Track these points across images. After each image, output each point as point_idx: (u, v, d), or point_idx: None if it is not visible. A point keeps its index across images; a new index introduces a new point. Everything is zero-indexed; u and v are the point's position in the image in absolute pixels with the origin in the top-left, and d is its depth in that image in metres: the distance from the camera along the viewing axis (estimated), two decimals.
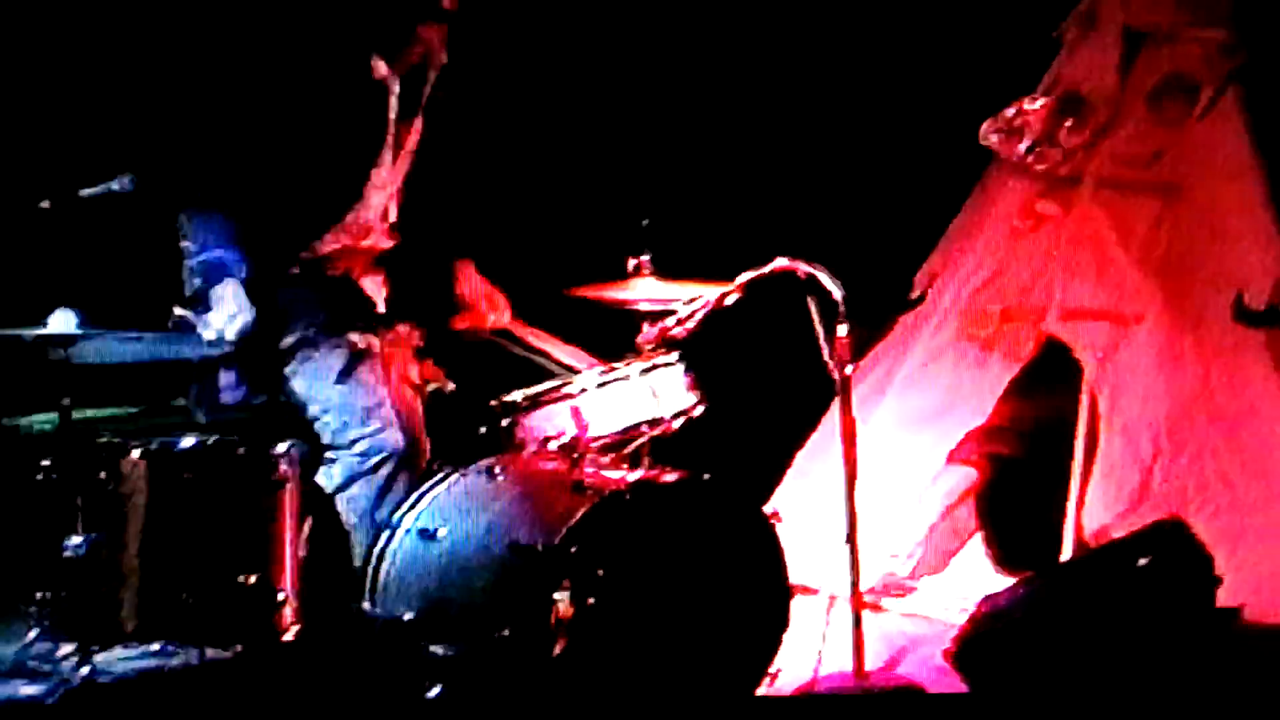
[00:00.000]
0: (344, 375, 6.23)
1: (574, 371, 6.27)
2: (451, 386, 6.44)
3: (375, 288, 6.44)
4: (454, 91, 6.45)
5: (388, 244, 6.45)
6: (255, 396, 6.28)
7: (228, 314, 6.13)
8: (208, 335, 6.13)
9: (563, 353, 6.41)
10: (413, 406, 6.32)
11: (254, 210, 6.20)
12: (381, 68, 6.31)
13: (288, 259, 6.27)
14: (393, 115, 6.36)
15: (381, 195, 6.39)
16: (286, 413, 6.21)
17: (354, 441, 6.20)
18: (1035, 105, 7.05)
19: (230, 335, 6.14)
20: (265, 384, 6.28)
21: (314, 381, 6.24)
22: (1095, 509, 6.86)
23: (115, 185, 6.00)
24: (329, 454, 6.22)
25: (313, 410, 6.23)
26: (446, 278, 6.48)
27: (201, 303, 6.20)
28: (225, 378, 6.32)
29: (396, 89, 6.34)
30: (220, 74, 6.29)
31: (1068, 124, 7.05)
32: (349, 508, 6.20)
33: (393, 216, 6.44)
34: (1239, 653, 5.98)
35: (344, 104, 6.26)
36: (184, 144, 6.27)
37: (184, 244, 6.26)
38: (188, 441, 5.90)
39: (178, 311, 6.20)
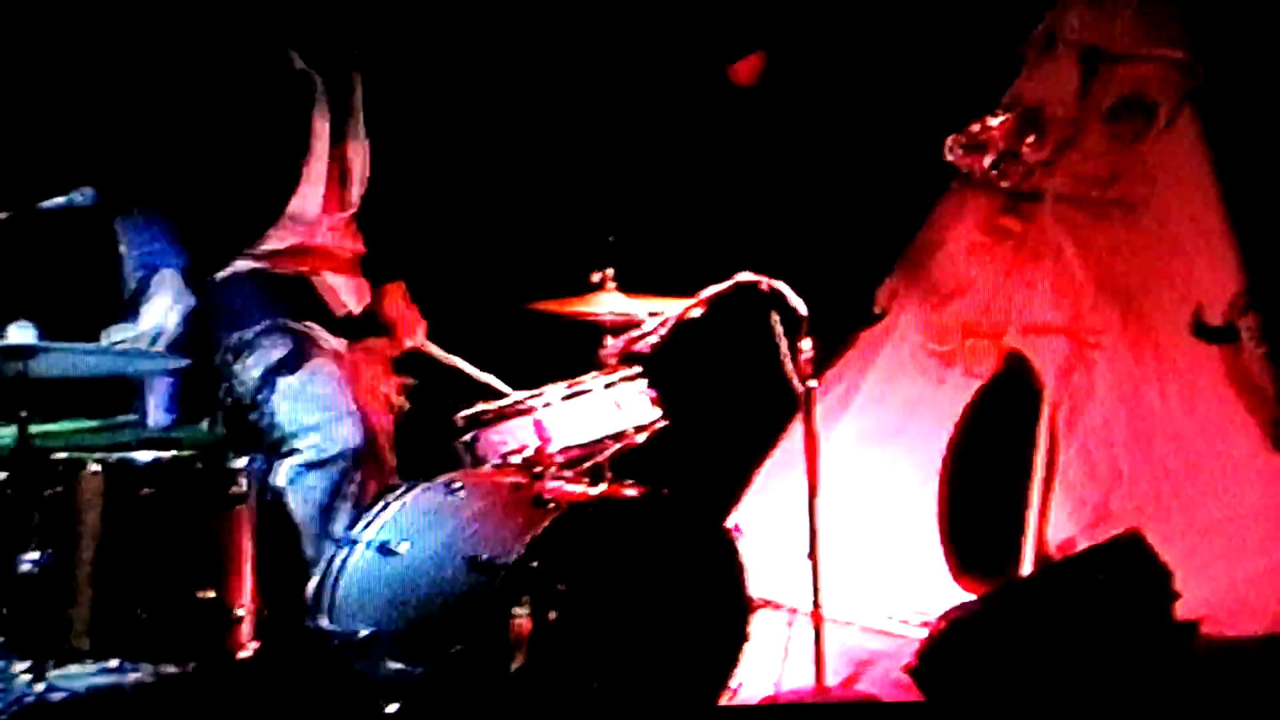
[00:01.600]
0: (296, 364, 6.19)
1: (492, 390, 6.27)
2: (404, 405, 6.42)
3: (349, 291, 6.41)
4: (404, 101, 6.46)
5: (354, 246, 6.43)
6: (185, 423, 6.26)
7: (165, 305, 6.10)
8: (144, 326, 6.09)
9: (475, 373, 6.40)
10: (378, 415, 6.29)
11: (187, 205, 6.15)
12: (298, 61, 6.29)
13: (227, 251, 6.23)
14: (321, 108, 6.32)
15: (318, 190, 6.34)
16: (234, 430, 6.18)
17: (309, 430, 6.15)
18: (998, 121, 7.08)
19: (171, 324, 6.10)
20: (200, 407, 6.25)
21: (266, 372, 6.20)
22: (1056, 524, 6.88)
23: (77, 198, 5.96)
24: (284, 448, 6.18)
25: (267, 404, 6.18)
26: (375, 298, 6.45)
27: (136, 304, 6.16)
28: (154, 399, 6.29)
29: (320, 84, 6.31)
30: (145, 72, 6.27)
31: (1030, 139, 7.08)
32: (301, 499, 6.16)
33: (351, 206, 6.42)
34: (1197, 666, 6.00)
35: (265, 95, 6.23)
36: (117, 146, 6.25)
37: (121, 249, 6.23)
38: (145, 456, 5.85)
39: (109, 333, 6.17)
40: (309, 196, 6.32)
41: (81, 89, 6.76)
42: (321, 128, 6.33)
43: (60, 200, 5.95)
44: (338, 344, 6.29)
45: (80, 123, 6.57)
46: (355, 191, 6.41)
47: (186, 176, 6.16)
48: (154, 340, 6.15)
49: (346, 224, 6.41)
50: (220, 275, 6.27)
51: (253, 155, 6.20)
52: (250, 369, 6.21)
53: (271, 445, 6.17)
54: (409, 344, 6.45)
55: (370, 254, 6.46)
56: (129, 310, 6.21)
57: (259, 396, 6.20)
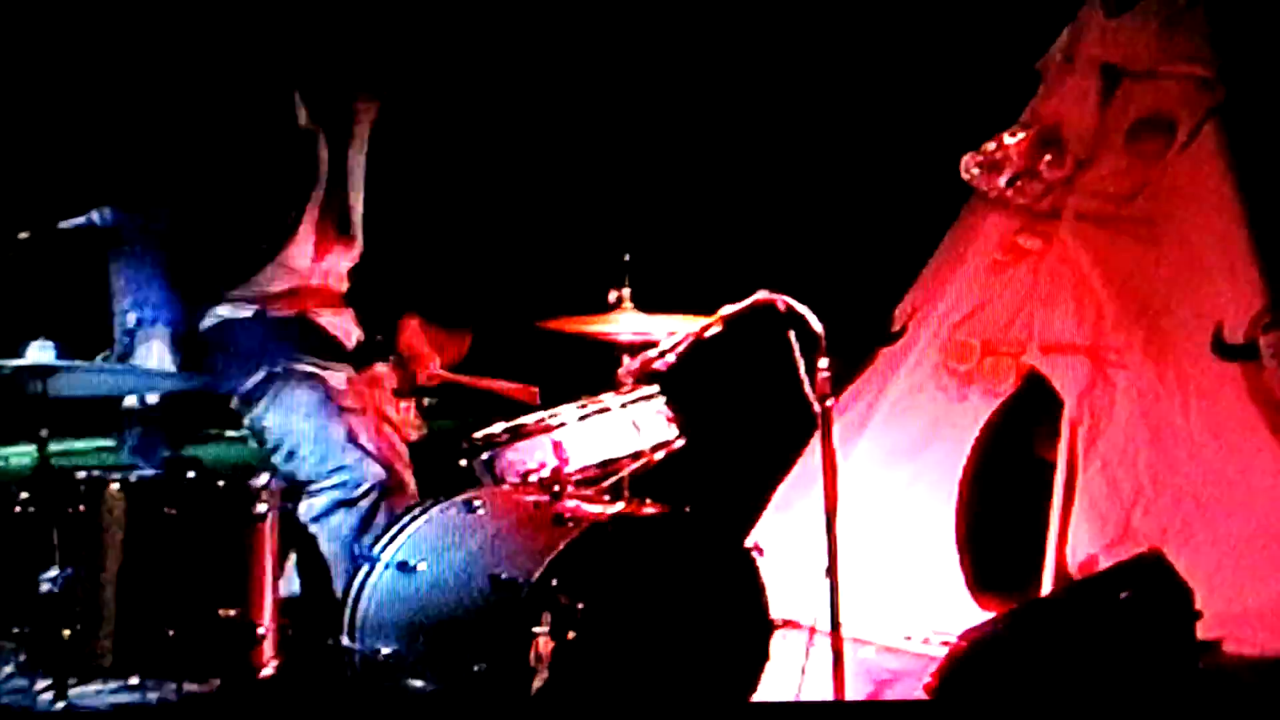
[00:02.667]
0: (317, 408, 6.22)
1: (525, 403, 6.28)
2: (423, 428, 6.44)
3: (343, 325, 6.44)
4: (422, 122, 6.48)
5: (339, 286, 6.46)
6: (160, 457, 6.29)
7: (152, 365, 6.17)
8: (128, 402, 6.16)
9: (507, 386, 6.41)
10: (391, 443, 6.31)
11: (184, 244, 6.19)
12: (303, 116, 6.33)
13: (220, 294, 6.27)
14: (321, 162, 6.36)
15: (310, 239, 6.36)
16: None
17: (334, 471, 6.19)
18: (1015, 139, 7.07)
19: (151, 399, 6.17)
20: (180, 441, 6.28)
21: (288, 416, 6.23)
22: (1078, 543, 6.87)
23: (95, 218, 5.99)
24: (310, 487, 6.20)
25: (289, 445, 6.22)
26: (391, 331, 6.47)
27: (126, 359, 6.21)
28: (132, 436, 6.33)
29: (322, 138, 6.36)
30: (157, 110, 6.32)
31: (1047, 158, 7.07)
32: (329, 536, 6.19)
33: (351, 252, 6.45)
34: (1219, 685, 5.98)
35: (269, 148, 6.27)
36: (130, 171, 6.28)
37: (113, 286, 6.25)
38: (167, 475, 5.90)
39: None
40: (302, 245, 6.36)
41: (100, 112, 6.80)
42: (319, 181, 6.37)
43: (80, 220, 5.98)
44: (344, 378, 6.31)
45: (97, 144, 6.59)
46: (357, 233, 6.45)
47: (186, 215, 6.20)
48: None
49: (342, 266, 6.45)
50: (213, 321, 6.31)
51: (251, 203, 6.25)
52: (266, 415, 6.24)
53: (296, 485, 6.20)
54: (427, 374, 6.47)
55: (388, 277, 6.48)
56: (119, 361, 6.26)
57: (279, 442, 6.22)
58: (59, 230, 5.94)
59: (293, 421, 6.22)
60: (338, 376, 6.31)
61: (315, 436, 6.21)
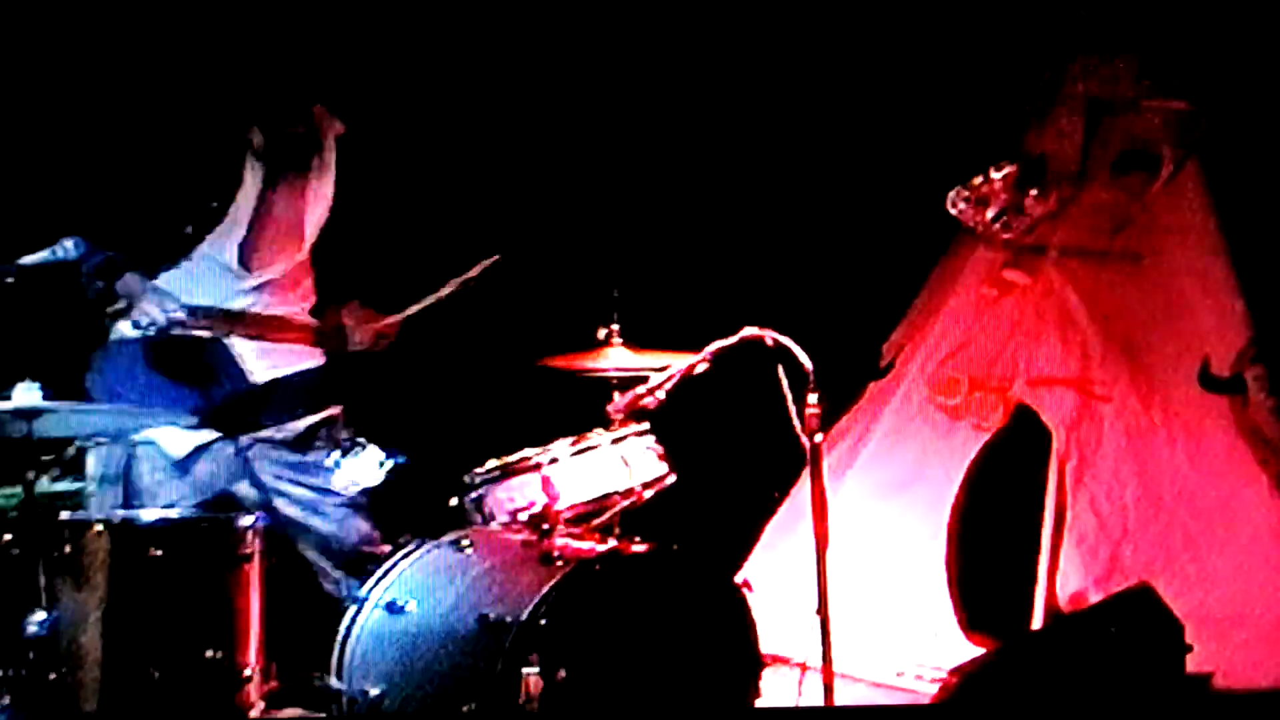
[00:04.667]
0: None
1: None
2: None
3: (261, 355, 6.32)
4: (407, 158, 6.47)
5: (288, 310, 6.35)
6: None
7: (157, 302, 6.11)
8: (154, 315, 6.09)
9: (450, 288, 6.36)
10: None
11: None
12: (257, 137, 6.29)
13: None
14: (254, 182, 6.28)
15: (233, 241, 6.25)
16: None
17: None
18: (1001, 174, 7.08)
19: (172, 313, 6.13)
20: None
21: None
22: (1067, 577, 6.86)
23: (59, 252, 5.91)
24: None
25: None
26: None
27: (110, 301, 6.13)
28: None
29: (258, 135, 6.29)
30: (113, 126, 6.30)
31: (1033, 193, 7.08)
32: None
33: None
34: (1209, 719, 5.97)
35: (201, 162, 6.24)
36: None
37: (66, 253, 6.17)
38: (150, 516, 5.85)
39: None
40: (225, 244, 6.24)
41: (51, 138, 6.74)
42: (251, 180, 6.27)
43: (44, 255, 5.91)
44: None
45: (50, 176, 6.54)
46: (306, 244, 6.35)
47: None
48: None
49: (288, 287, 6.36)
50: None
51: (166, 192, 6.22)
52: None
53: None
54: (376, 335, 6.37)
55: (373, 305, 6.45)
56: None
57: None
58: (22, 267, 5.86)
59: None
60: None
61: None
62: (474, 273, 6.31)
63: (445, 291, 6.33)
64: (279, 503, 6.25)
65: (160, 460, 6.20)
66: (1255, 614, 6.67)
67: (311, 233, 6.33)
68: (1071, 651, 5.86)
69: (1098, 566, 6.83)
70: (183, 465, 6.21)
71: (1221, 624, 6.59)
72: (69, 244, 5.91)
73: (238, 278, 6.26)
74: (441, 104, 7.23)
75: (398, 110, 6.74)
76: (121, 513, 5.98)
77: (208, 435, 6.22)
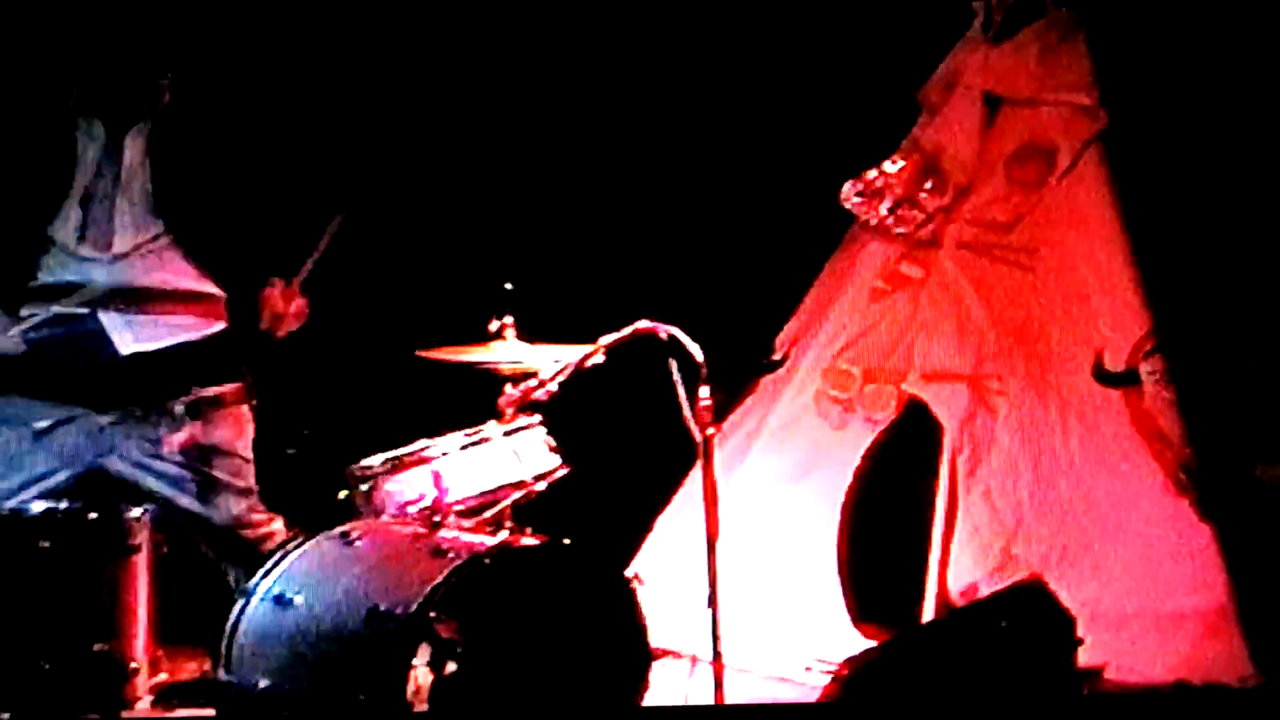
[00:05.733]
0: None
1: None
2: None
3: (132, 327, 6.25)
4: (301, 142, 6.42)
5: (178, 281, 6.27)
6: None
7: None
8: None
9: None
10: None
11: None
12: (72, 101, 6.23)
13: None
14: (88, 157, 6.23)
15: (73, 222, 6.21)
16: None
17: None
18: (895, 167, 7.08)
19: None
20: None
21: None
22: (959, 571, 6.88)
23: None
24: None
25: None
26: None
27: None
28: None
29: (99, 136, 6.23)
30: None
31: (928, 185, 7.09)
32: None
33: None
34: (1100, 714, 6.00)
35: (33, 147, 6.19)
36: None
37: None
38: (38, 507, 5.81)
39: None
40: (66, 225, 6.20)
41: None
42: (88, 164, 6.22)
43: None
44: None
45: None
46: (155, 229, 6.28)
47: None
48: None
49: (154, 259, 6.28)
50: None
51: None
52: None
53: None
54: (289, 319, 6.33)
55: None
56: None
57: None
58: None
59: None
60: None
61: None
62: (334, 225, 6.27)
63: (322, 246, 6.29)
64: (147, 479, 6.22)
65: (24, 430, 6.16)
66: (1149, 608, 6.70)
67: (121, 224, 6.26)
68: (962, 644, 5.89)
69: (991, 559, 6.84)
70: (45, 436, 6.17)
71: (1114, 618, 6.61)
72: None
73: (89, 258, 6.21)
74: (335, 89, 7.22)
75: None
76: (10, 504, 5.94)
77: (71, 409, 6.18)
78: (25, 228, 6.19)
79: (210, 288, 6.28)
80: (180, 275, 6.27)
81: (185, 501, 6.24)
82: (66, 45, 6.19)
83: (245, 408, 6.35)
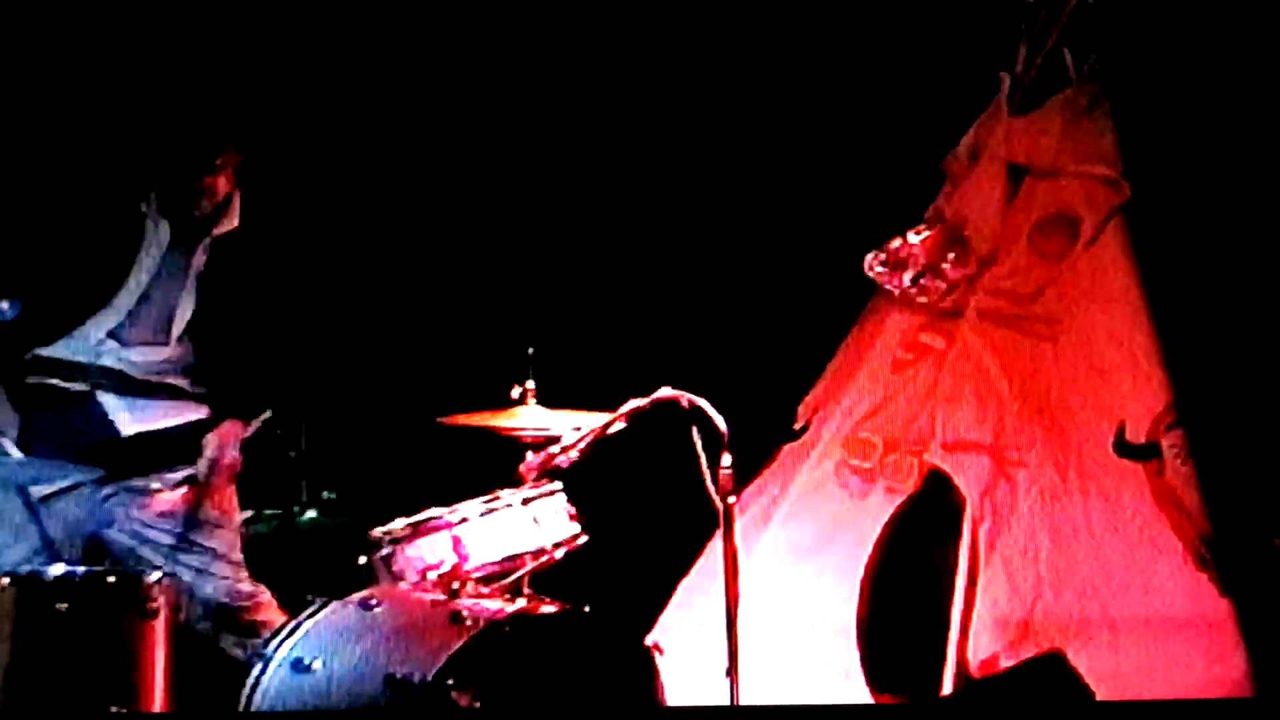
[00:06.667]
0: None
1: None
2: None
3: (130, 409, 6.34)
4: (319, 212, 6.48)
5: (161, 379, 6.37)
6: None
7: None
8: None
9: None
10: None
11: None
12: (146, 208, 6.33)
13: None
14: (151, 248, 6.33)
15: (111, 322, 6.31)
16: None
17: None
18: (919, 237, 7.09)
19: None
20: None
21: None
22: (978, 642, 6.84)
23: None
24: None
25: None
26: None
27: None
28: None
29: (161, 227, 6.34)
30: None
31: (951, 256, 7.09)
32: None
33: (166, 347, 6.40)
34: None
35: (95, 231, 6.28)
36: None
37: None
38: (57, 570, 5.81)
39: None
40: (104, 323, 6.31)
41: None
42: (145, 268, 6.33)
43: None
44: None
45: None
46: (172, 339, 6.38)
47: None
48: None
49: (155, 359, 6.38)
50: None
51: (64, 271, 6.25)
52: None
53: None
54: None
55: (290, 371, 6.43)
56: None
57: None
58: None
59: None
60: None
61: None
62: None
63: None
64: (143, 549, 6.27)
65: (15, 497, 6.20)
66: (1166, 682, 6.67)
67: (176, 331, 6.37)
68: (981, 716, 5.86)
69: (1009, 631, 6.80)
70: (45, 504, 6.20)
71: (1133, 691, 6.58)
72: (4, 305, 5.94)
73: (111, 349, 6.31)
74: (353, 157, 7.25)
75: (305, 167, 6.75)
76: (27, 567, 5.95)
77: (73, 478, 6.23)
78: (70, 311, 6.27)
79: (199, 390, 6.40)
80: (182, 377, 6.39)
81: (180, 571, 6.27)
82: (150, 146, 6.28)
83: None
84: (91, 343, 6.30)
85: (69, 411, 6.30)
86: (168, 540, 6.30)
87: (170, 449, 6.33)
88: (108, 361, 6.31)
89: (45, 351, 6.29)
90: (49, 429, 6.25)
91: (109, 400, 6.31)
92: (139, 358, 6.33)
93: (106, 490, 6.30)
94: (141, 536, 6.29)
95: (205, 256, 6.36)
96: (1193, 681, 6.66)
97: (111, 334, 6.31)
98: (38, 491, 6.19)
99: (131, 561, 6.22)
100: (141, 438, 6.32)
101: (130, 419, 6.31)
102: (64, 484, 6.23)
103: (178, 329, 6.36)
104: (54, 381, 6.29)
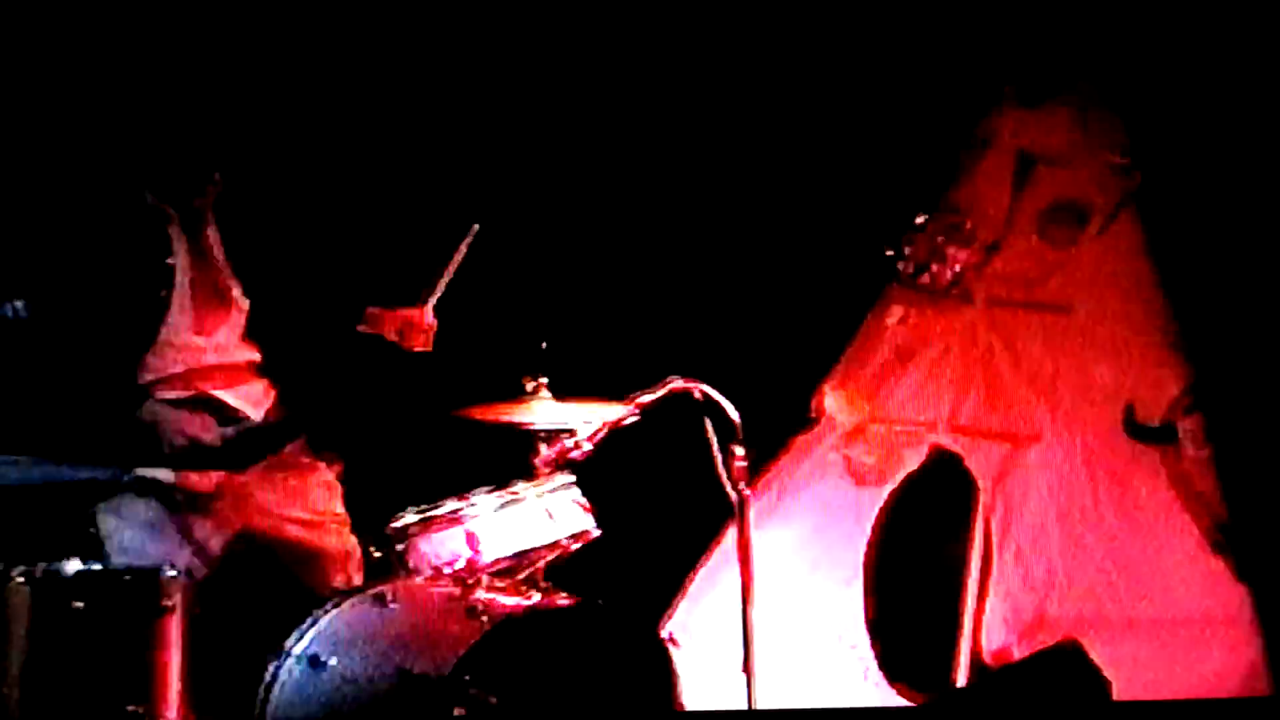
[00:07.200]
0: (147, 524, 6.22)
1: None
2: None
3: (243, 399, 6.36)
4: (325, 210, 6.50)
5: (247, 355, 6.39)
6: None
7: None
8: None
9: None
10: (281, 547, 6.26)
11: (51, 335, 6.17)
12: (150, 196, 6.30)
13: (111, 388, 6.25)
14: (177, 237, 6.32)
15: (187, 315, 6.31)
16: None
17: None
18: (930, 225, 7.09)
19: None
20: None
21: (120, 528, 6.23)
22: (991, 632, 6.85)
23: (7, 311, 5.93)
24: None
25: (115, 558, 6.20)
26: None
27: None
28: None
29: (175, 215, 6.32)
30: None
31: (961, 242, 7.09)
32: None
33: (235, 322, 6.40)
34: None
35: (120, 231, 6.26)
36: None
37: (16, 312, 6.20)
38: (72, 567, 5.80)
39: None
40: (179, 322, 6.31)
41: None
42: (181, 256, 6.32)
43: None
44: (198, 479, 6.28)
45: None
46: (236, 307, 6.39)
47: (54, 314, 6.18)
48: None
49: (234, 336, 6.39)
50: None
51: (114, 290, 6.23)
52: (105, 522, 6.23)
53: None
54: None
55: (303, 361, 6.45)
56: None
57: (110, 551, 6.20)
58: None
59: (124, 536, 6.21)
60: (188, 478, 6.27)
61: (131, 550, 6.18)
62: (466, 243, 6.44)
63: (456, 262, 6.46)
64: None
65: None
66: (1183, 669, 6.67)
67: (236, 295, 6.37)
68: (996, 707, 5.86)
69: (1023, 620, 6.82)
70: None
71: (1149, 677, 6.59)
72: (18, 304, 5.94)
73: (200, 347, 6.33)
74: (363, 147, 7.25)
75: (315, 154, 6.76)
76: (43, 565, 5.95)
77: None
78: (137, 333, 6.29)
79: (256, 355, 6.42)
80: (247, 347, 6.40)
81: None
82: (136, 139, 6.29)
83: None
84: (183, 350, 6.31)
85: (210, 416, 6.33)
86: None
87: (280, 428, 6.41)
88: (206, 360, 6.33)
89: (149, 376, 6.29)
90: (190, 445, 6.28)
91: (227, 395, 6.33)
92: (223, 339, 6.35)
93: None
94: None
95: (214, 226, 6.37)
96: (1207, 669, 6.67)
97: (194, 330, 6.33)
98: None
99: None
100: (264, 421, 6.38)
101: (250, 405, 6.35)
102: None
103: (236, 292, 6.37)
104: (170, 395, 6.31)
